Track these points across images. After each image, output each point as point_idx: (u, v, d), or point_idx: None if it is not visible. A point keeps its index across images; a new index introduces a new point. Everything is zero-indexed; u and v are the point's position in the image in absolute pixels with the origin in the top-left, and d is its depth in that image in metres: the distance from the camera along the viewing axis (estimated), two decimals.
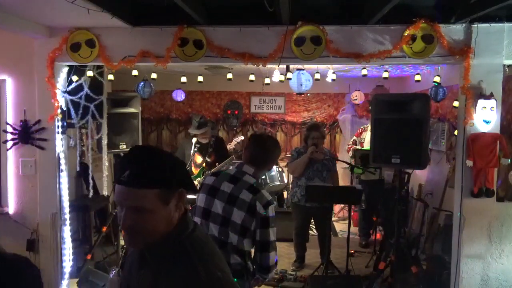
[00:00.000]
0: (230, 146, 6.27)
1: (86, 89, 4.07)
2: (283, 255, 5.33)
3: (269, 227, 2.33)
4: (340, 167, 6.76)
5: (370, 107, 5.40)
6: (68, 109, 4.02)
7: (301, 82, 5.15)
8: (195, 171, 4.84)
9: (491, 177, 3.51)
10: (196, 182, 4.75)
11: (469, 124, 3.50)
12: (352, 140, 5.74)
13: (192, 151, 4.60)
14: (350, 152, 5.53)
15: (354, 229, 6.20)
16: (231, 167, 2.58)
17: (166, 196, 1.24)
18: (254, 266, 2.41)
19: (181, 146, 5.10)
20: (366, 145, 5.42)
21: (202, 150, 4.75)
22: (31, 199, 4.01)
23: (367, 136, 5.52)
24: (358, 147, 5.49)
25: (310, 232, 5.34)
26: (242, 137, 6.68)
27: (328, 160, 4.69)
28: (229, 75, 5.13)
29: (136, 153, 1.28)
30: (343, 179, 6.96)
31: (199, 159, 4.72)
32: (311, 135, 4.69)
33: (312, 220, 5.05)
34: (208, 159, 4.76)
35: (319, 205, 4.58)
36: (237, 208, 2.30)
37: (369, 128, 5.55)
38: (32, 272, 1.32)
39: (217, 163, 4.78)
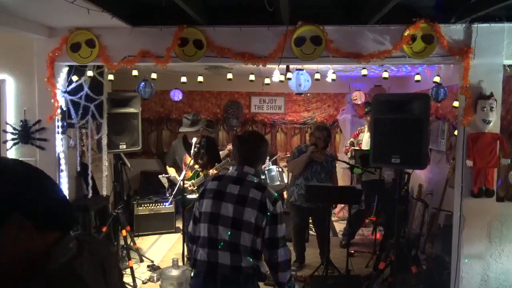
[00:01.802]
0: (230, 146, 6.26)
1: (86, 89, 4.07)
2: None
3: (278, 224, 2.31)
4: (340, 167, 6.77)
5: (366, 108, 5.42)
6: (68, 109, 4.02)
7: (300, 82, 5.15)
8: (187, 173, 4.81)
9: (491, 177, 3.51)
10: (188, 184, 4.71)
11: (466, 124, 3.50)
12: (349, 141, 5.74)
13: (192, 151, 4.58)
14: (348, 154, 5.53)
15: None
16: (229, 170, 2.58)
17: None
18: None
19: (172, 148, 5.02)
20: (364, 146, 5.43)
21: (191, 150, 4.62)
22: None
23: (364, 137, 5.52)
24: (356, 148, 5.49)
25: (310, 232, 5.35)
26: None
27: (328, 162, 4.68)
28: (229, 75, 5.14)
29: None
30: (343, 179, 6.96)
31: (189, 160, 4.68)
32: (314, 135, 4.71)
33: (311, 220, 5.05)
34: (201, 161, 4.73)
35: (314, 205, 4.58)
36: (248, 207, 2.27)
37: (366, 129, 5.56)
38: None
39: (209, 164, 4.75)
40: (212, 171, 4.68)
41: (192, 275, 2.44)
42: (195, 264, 2.38)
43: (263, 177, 6.43)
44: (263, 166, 6.80)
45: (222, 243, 2.28)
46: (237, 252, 2.26)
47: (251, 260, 2.29)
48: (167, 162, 5.00)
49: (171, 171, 4.84)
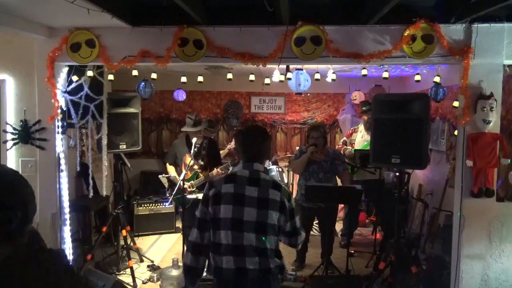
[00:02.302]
0: (230, 146, 6.26)
1: (86, 89, 4.07)
2: (283, 255, 5.33)
3: (295, 217, 2.38)
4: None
5: (363, 108, 5.41)
6: (68, 109, 4.02)
7: (300, 82, 5.15)
8: (187, 173, 4.80)
9: (491, 177, 3.51)
10: (187, 185, 4.70)
11: (466, 124, 3.50)
12: (342, 141, 5.75)
13: (192, 151, 4.58)
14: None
15: (358, 229, 6.22)
16: (235, 169, 2.52)
17: None
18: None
19: (173, 147, 5.02)
20: (357, 146, 5.43)
21: (191, 150, 4.63)
22: None
23: (357, 137, 5.53)
24: (349, 147, 5.49)
25: (312, 232, 5.34)
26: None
27: (327, 162, 4.66)
28: (229, 75, 5.13)
29: None
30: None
31: (189, 160, 4.68)
32: (311, 135, 4.70)
33: (317, 220, 5.04)
34: (202, 162, 4.73)
35: (315, 205, 4.57)
36: (271, 210, 2.24)
37: (359, 129, 5.57)
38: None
39: (208, 166, 4.75)
40: (215, 171, 4.66)
41: (213, 282, 2.33)
42: (219, 273, 2.26)
43: None
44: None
45: (249, 249, 2.22)
46: (264, 255, 2.24)
47: (278, 260, 2.30)
48: (167, 160, 4.99)
49: (171, 170, 4.84)
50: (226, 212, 2.24)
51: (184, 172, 4.51)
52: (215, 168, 4.68)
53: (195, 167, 4.73)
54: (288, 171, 6.63)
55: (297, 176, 5.64)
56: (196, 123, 4.68)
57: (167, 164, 4.94)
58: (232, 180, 2.32)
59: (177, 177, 4.66)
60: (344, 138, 5.74)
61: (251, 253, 2.21)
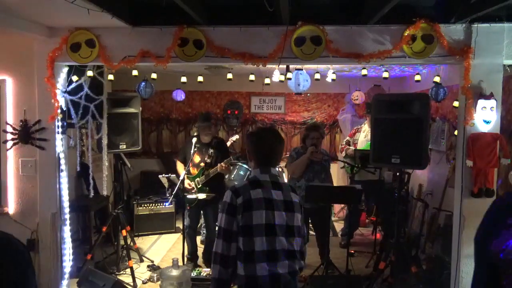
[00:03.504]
0: (232, 139, 6.29)
1: (86, 89, 4.07)
2: None
3: (303, 223, 2.42)
4: (340, 167, 6.78)
5: (368, 109, 5.41)
6: (68, 109, 4.02)
7: (299, 82, 5.15)
8: (193, 171, 4.83)
9: (491, 177, 3.51)
10: (194, 183, 4.72)
11: (469, 124, 3.50)
12: (345, 140, 5.74)
13: (192, 151, 4.59)
14: (343, 152, 5.53)
15: (358, 229, 6.22)
16: (252, 174, 2.44)
17: None
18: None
19: (183, 148, 5.07)
20: (359, 146, 5.43)
21: (201, 149, 4.73)
22: (31, 199, 4.01)
23: (360, 137, 5.52)
24: (352, 147, 5.49)
25: (310, 232, 5.34)
26: (237, 136, 6.67)
27: (327, 161, 4.68)
28: (229, 75, 5.14)
29: None
30: (343, 179, 6.97)
31: (197, 158, 4.70)
32: (311, 135, 4.65)
33: (310, 220, 5.03)
34: (208, 160, 4.74)
35: (315, 205, 4.56)
36: (296, 212, 2.30)
37: (363, 128, 5.56)
38: (17, 247, 1.28)
39: (216, 164, 4.75)
40: (219, 166, 4.64)
41: None
42: (253, 282, 2.16)
43: None
44: None
45: (281, 253, 2.20)
46: (293, 258, 2.25)
47: (302, 262, 2.32)
48: (178, 157, 5.02)
49: (180, 167, 4.86)
50: (259, 218, 2.19)
51: (183, 172, 4.52)
52: (218, 165, 4.67)
53: (201, 164, 4.76)
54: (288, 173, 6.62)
55: None
56: (205, 118, 4.74)
57: (178, 161, 4.97)
58: (259, 185, 2.27)
59: (181, 171, 4.69)
60: (347, 138, 5.73)
61: (282, 257, 2.21)
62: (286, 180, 6.39)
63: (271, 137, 2.42)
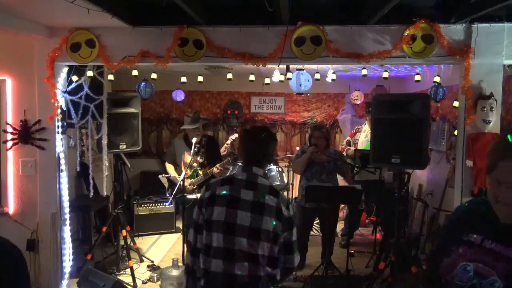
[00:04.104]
0: (227, 144, 6.27)
1: (86, 89, 4.07)
2: None
3: (293, 228, 2.25)
4: None
5: (369, 108, 5.40)
6: (68, 109, 4.02)
7: (301, 82, 5.15)
8: (184, 171, 4.80)
9: None
10: (188, 183, 4.70)
11: (469, 124, 3.50)
12: (346, 140, 5.75)
13: (192, 151, 4.57)
14: (344, 153, 5.53)
15: (358, 229, 6.22)
16: (235, 171, 2.45)
17: None
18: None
19: (172, 146, 5.02)
20: (360, 146, 5.43)
21: (192, 149, 4.61)
22: (31, 199, 4.01)
23: (360, 137, 5.52)
24: (352, 148, 5.49)
25: (312, 232, 5.34)
26: (237, 135, 6.66)
27: (330, 163, 4.65)
28: (229, 75, 5.14)
29: None
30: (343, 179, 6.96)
31: (188, 158, 4.66)
32: (313, 135, 4.71)
33: (318, 220, 5.03)
34: (201, 160, 4.72)
35: (317, 206, 4.56)
36: (266, 216, 2.15)
37: (363, 129, 5.56)
38: (12, 253, 1.29)
39: (208, 163, 4.74)
40: (214, 169, 4.65)
41: (201, 284, 2.25)
42: (207, 276, 2.20)
43: None
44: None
45: (239, 254, 2.14)
46: (255, 262, 2.14)
47: (269, 269, 2.19)
48: (166, 159, 4.99)
49: (170, 169, 4.84)
50: (219, 215, 2.18)
51: (184, 172, 4.51)
52: (214, 167, 4.67)
53: (194, 164, 4.73)
54: (288, 171, 6.62)
55: (297, 177, 5.64)
56: (194, 120, 4.68)
57: (166, 162, 4.95)
58: (229, 182, 2.26)
59: (177, 177, 4.66)
60: (348, 138, 5.73)
61: (241, 258, 2.14)
62: (285, 179, 6.41)
63: (259, 135, 2.35)
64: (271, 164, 6.61)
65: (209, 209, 2.22)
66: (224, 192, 2.22)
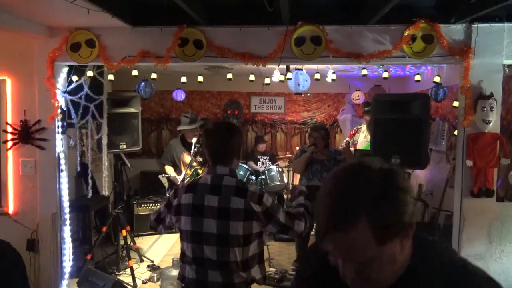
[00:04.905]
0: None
1: (86, 89, 4.07)
2: (283, 255, 5.34)
3: (276, 215, 2.11)
4: None
5: (366, 108, 5.41)
6: (68, 109, 4.02)
7: (299, 82, 5.15)
8: (184, 171, 4.81)
9: (491, 177, 3.51)
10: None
11: (469, 124, 3.50)
12: (345, 141, 5.75)
13: (192, 152, 4.57)
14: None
15: None
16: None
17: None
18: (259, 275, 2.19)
19: (169, 148, 5.01)
20: (359, 146, 5.43)
21: (190, 149, 4.59)
22: (31, 199, 4.01)
23: (359, 137, 5.52)
24: (352, 148, 5.49)
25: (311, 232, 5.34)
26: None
27: (330, 161, 4.66)
28: (229, 75, 5.14)
29: None
30: None
31: (187, 158, 4.67)
32: (312, 135, 4.74)
33: None
34: (201, 159, 4.72)
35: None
36: (233, 221, 2.04)
37: (362, 129, 5.56)
38: (11, 256, 1.30)
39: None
40: None
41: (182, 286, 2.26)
42: (183, 281, 2.20)
43: (262, 177, 6.44)
44: (263, 166, 6.80)
45: (210, 262, 2.08)
46: (227, 269, 2.07)
47: (244, 274, 2.10)
48: (164, 161, 4.99)
49: (170, 170, 4.84)
50: (186, 224, 2.11)
51: (184, 172, 4.51)
52: None
53: (194, 164, 4.73)
54: (288, 171, 6.62)
55: (297, 176, 5.64)
56: (192, 121, 4.68)
57: (165, 165, 4.95)
58: (192, 189, 2.15)
59: (177, 177, 4.66)
60: (347, 139, 5.74)
61: (212, 266, 2.08)
62: (286, 179, 6.41)
63: (220, 131, 2.23)
64: (271, 163, 6.61)
65: (177, 217, 2.17)
66: (188, 201, 2.13)
